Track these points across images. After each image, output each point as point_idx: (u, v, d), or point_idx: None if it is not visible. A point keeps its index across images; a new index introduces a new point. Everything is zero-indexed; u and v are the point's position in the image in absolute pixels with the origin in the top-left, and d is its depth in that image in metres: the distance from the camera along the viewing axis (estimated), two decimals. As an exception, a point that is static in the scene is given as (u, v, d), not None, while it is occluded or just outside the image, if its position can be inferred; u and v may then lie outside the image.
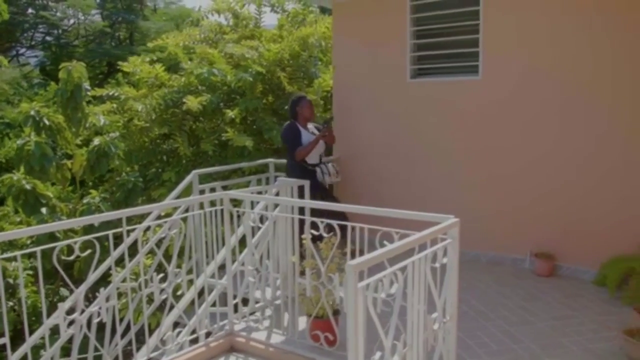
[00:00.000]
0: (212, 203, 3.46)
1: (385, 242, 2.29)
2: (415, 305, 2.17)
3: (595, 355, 3.19)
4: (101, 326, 3.26)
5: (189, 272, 3.50)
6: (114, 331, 3.18)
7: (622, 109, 4.26)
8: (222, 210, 3.40)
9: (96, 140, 6.05)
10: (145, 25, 15.15)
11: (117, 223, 3.06)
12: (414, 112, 5.21)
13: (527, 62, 4.62)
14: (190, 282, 3.52)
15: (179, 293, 3.39)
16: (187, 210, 3.85)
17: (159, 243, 3.95)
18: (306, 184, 4.24)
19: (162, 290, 3.08)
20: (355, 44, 5.61)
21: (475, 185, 4.97)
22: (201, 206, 3.54)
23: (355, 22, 5.57)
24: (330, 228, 2.97)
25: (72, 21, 16.07)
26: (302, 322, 3.37)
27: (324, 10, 8.01)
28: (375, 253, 1.93)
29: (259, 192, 4.79)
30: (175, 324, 3.62)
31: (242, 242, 3.64)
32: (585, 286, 4.32)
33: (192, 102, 5.81)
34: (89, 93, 6.21)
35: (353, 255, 2.73)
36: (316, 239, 3.13)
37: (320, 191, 4.76)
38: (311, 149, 4.75)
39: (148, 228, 3.41)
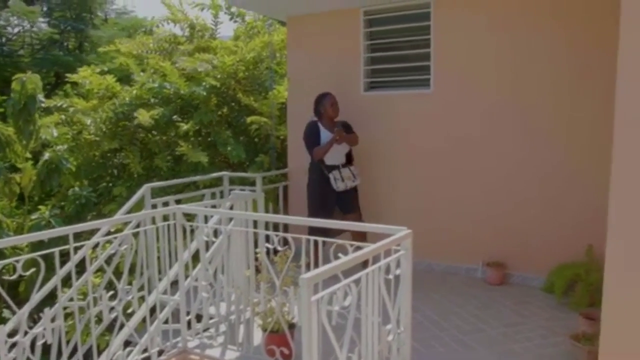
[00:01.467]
0: (165, 217, 3.39)
1: (339, 255, 2.30)
2: (369, 317, 2.18)
3: (546, 359, 3.28)
4: (46, 348, 3.12)
5: (141, 288, 3.40)
6: (60, 353, 3.04)
7: (567, 126, 4.43)
8: (174, 224, 3.33)
9: (46, 155, 5.85)
10: (95, 34, 14.77)
11: (67, 239, 2.95)
12: (367, 125, 5.27)
13: (475, 77, 4.75)
14: (142, 299, 3.42)
15: (129, 311, 3.29)
16: (138, 225, 3.75)
17: (108, 260, 3.82)
18: (260, 197, 4.22)
19: (111, 309, 2.98)
20: (309, 56, 5.64)
21: (428, 196, 5.06)
22: (153, 221, 3.45)
23: (310, 36, 5.61)
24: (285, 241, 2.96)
25: (16, 29, 15.48)
26: (257, 338, 3.33)
27: (280, 22, 8.03)
28: (329, 265, 1.93)
29: (213, 206, 4.74)
30: (127, 343, 3.50)
31: (196, 257, 3.57)
32: (534, 293, 4.44)
33: (144, 116, 5.70)
34: (43, 104, 6.01)
35: (308, 268, 2.73)
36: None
37: (333, 195, 4.72)
38: (326, 150, 4.68)
39: (97, 245, 3.30)
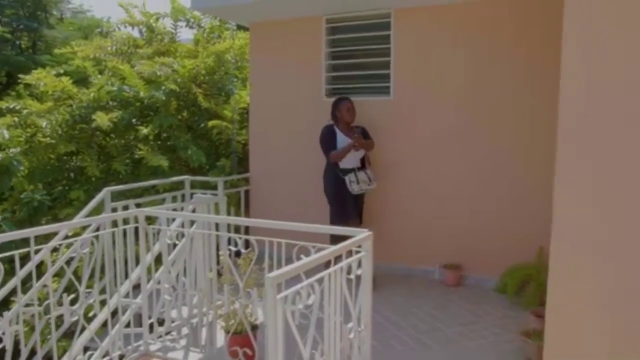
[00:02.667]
0: (126, 221, 3.37)
1: (302, 257, 2.37)
2: (332, 316, 2.25)
3: (498, 356, 3.44)
4: (1, 353, 3.06)
5: (102, 292, 3.37)
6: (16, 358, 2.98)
7: (521, 134, 4.64)
8: (136, 228, 3.32)
9: (-3, 156, 5.67)
10: (50, 34, 14.38)
11: (19, 243, 2.90)
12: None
13: (433, 85, 4.92)
14: (103, 302, 3.38)
15: (90, 315, 3.25)
16: (98, 229, 3.71)
17: (69, 263, 3.76)
18: (222, 200, 4.24)
19: (71, 313, 2.95)
20: (272, 62, 5.71)
21: (387, 200, 5.19)
22: (115, 224, 3.43)
23: (273, 42, 5.68)
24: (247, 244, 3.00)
25: (-36, 27, 14.91)
26: (220, 340, 3.35)
27: (239, 27, 8.05)
28: (294, 265, 1.99)
29: (175, 209, 4.72)
30: (86, 349, 3.46)
31: (158, 261, 3.56)
32: (488, 294, 4.62)
33: (102, 119, 5.61)
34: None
35: (271, 270, 2.78)
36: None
37: (350, 197, 4.71)
38: (343, 155, 4.68)
39: (57, 248, 3.26)
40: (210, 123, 6.04)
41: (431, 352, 3.52)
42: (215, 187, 5.32)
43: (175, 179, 5.46)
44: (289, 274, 1.91)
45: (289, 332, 2.02)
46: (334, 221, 4.70)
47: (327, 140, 4.79)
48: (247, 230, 4.96)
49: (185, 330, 3.54)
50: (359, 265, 2.50)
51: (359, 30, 5.22)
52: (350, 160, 4.76)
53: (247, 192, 5.86)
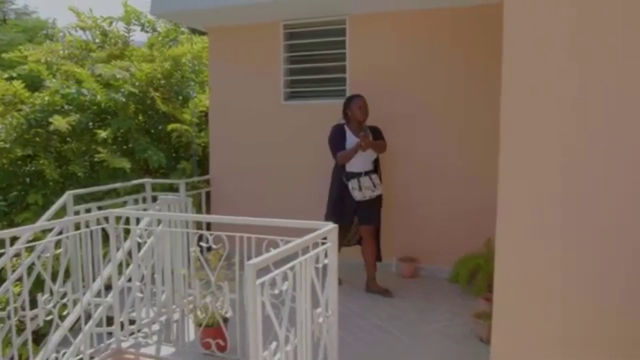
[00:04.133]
0: (95, 222, 3.44)
1: (271, 249, 2.54)
2: (303, 301, 2.44)
3: (452, 338, 3.72)
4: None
5: (73, 292, 3.43)
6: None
7: (467, 128, 4.97)
8: (102, 229, 3.40)
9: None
10: (-7, 35, 13.90)
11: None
12: (287, 132, 5.56)
13: (385, 88, 5.19)
14: (75, 302, 3.44)
15: (64, 314, 3.31)
16: (61, 232, 3.75)
17: (31, 268, 3.78)
18: (188, 201, 4.36)
19: (33, 318, 3.00)
20: (231, 66, 5.84)
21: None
22: (84, 225, 3.49)
23: (232, 46, 5.81)
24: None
25: None
26: (192, 334, 3.48)
27: (194, 31, 8.11)
28: (270, 254, 2.18)
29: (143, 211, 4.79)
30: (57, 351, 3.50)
31: (128, 261, 3.64)
32: (442, 283, 4.92)
33: (60, 122, 5.60)
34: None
35: (241, 265, 2.94)
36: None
37: (352, 204, 4.48)
38: (350, 156, 4.40)
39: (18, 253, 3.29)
40: (170, 126, 6.11)
41: (391, 336, 3.77)
42: (176, 190, 5.39)
43: (136, 181, 5.50)
44: (268, 261, 2.10)
45: (264, 318, 2.20)
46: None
47: (336, 140, 4.52)
48: (209, 228, 5.07)
49: (157, 327, 3.64)
50: (326, 255, 2.70)
51: (316, 35, 5.44)
52: (359, 163, 4.48)
53: (207, 193, 5.96)
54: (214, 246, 3.16)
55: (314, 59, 5.50)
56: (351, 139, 4.50)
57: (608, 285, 2.09)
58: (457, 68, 4.93)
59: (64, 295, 3.19)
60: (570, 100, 2.09)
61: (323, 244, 2.71)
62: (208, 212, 5.92)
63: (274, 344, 2.23)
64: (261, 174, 5.72)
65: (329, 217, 4.54)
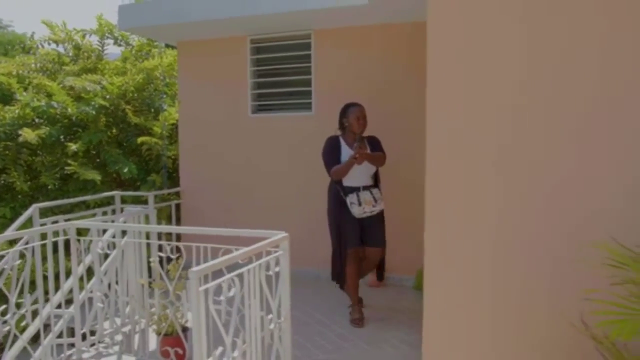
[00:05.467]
0: (57, 234, 3.49)
1: (239, 261, 2.63)
2: (253, 307, 2.53)
3: (410, 344, 3.82)
4: None
5: (34, 304, 3.46)
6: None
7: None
8: (66, 241, 3.45)
9: None
10: (-33, 50, 13.81)
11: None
12: (254, 145, 5.66)
13: (348, 99, 5.31)
14: (35, 314, 3.48)
15: (22, 324, 3.34)
16: (27, 243, 3.78)
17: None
18: (152, 213, 4.42)
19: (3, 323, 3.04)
20: (200, 80, 5.94)
21: (315, 210, 5.50)
22: (45, 238, 3.53)
23: (200, 60, 5.92)
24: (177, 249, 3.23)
25: None
26: (153, 344, 3.54)
27: (168, 44, 8.20)
28: (215, 261, 2.26)
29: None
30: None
31: (91, 272, 3.69)
32: (406, 291, 5.04)
33: (29, 135, 5.64)
34: None
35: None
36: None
37: (355, 223, 4.13)
38: (345, 170, 4.05)
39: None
40: (140, 139, 6.17)
41: (351, 344, 3.86)
42: (146, 202, 5.46)
43: (105, 194, 5.55)
44: (210, 269, 2.18)
45: (216, 325, 2.29)
46: (333, 252, 4.32)
47: (330, 153, 4.16)
48: (178, 239, 5.14)
49: (118, 337, 3.69)
50: (277, 263, 2.79)
51: (282, 50, 5.57)
52: (357, 177, 4.12)
53: (177, 205, 6.02)
54: (171, 256, 3.23)
55: (280, 72, 5.63)
56: (347, 152, 4.13)
57: (535, 288, 2.21)
58: (420, 79, 5.07)
59: (28, 304, 3.22)
60: (495, 103, 2.21)
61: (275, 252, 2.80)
62: (178, 223, 5.98)
63: (219, 349, 2.31)
64: (230, 185, 5.81)
65: (335, 245, 4.29)
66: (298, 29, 5.38)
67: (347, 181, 4.13)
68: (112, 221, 4.26)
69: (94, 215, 5.28)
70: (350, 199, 4.08)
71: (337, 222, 4.20)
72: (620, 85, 2.02)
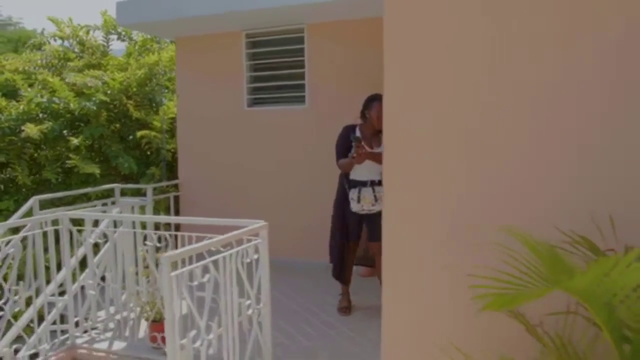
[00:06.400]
0: (55, 224, 3.61)
1: (212, 248, 2.74)
2: (229, 293, 2.64)
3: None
4: None
5: (30, 291, 3.61)
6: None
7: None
8: (62, 230, 3.58)
9: None
10: (-22, 47, 14.08)
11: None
12: (250, 138, 5.76)
13: (338, 93, 5.39)
14: (29, 302, 3.62)
15: (17, 310, 3.48)
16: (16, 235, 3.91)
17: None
18: (149, 204, 4.54)
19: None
20: (197, 75, 6.05)
21: (312, 200, 5.59)
22: (40, 227, 3.66)
23: (197, 55, 6.03)
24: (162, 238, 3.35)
25: None
26: (144, 330, 3.67)
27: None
28: (188, 247, 2.37)
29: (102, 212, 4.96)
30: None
31: (86, 262, 3.83)
32: (398, 281, 5.11)
33: (32, 130, 5.80)
34: None
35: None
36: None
37: (356, 216, 4.05)
38: (348, 166, 3.96)
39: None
40: (139, 133, 6.31)
41: (336, 331, 3.96)
42: (145, 194, 5.60)
43: (105, 186, 5.69)
44: (181, 255, 2.29)
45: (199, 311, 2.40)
46: (330, 241, 4.32)
47: (341, 143, 4.03)
48: (177, 229, 5.27)
49: (111, 325, 3.82)
50: (257, 250, 2.89)
51: (276, 44, 5.66)
52: (365, 172, 3.97)
53: (176, 197, 6.15)
54: (158, 245, 3.35)
55: (275, 66, 5.72)
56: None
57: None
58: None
59: (22, 292, 3.36)
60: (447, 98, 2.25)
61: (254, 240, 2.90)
62: (176, 214, 6.11)
63: (192, 332, 2.43)
64: (227, 177, 5.93)
65: (334, 233, 4.28)
66: (291, 23, 5.46)
67: (354, 174, 4.03)
68: (104, 212, 4.38)
69: (94, 207, 5.43)
70: (352, 194, 4.00)
71: (341, 213, 4.18)
72: (584, 67, 1.98)
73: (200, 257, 2.65)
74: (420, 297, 2.33)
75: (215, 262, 2.54)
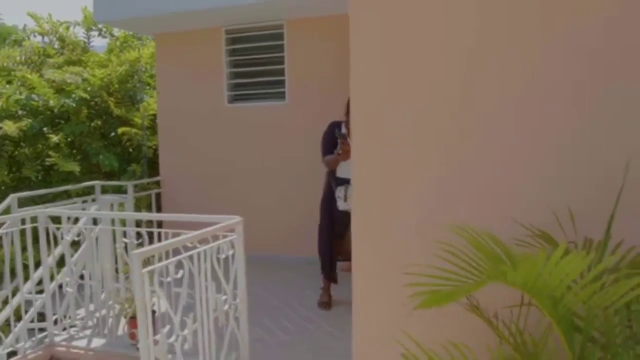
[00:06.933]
0: (32, 221, 3.60)
1: (189, 245, 2.75)
2: (203, 288, 2.66)
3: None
4: None
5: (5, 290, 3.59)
6: None
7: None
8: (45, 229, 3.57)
9: None
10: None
11: None
12: (232, 134, 5.77)
13: (318, 89, 5.41)
14: (5, 302, 3.61)
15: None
16: None
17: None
18: (129, 201, 4.53)
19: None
20: (177, 71, 6.04)
21: (288, 196, 5.63)
22: (20, 226, 3.64)
23: (177, 51, 6.01)
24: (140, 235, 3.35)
25: None
26: (123, 327, 3.67)
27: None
28: (160, 244, 2.38)
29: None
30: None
31: (63, 259, 3.82)
32: (379, 275, 5.15)
33: (10, 127, 5.75)
34: None
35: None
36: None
37: (339, 213, 3.98)
38: (332, 164, 3.92)
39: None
40: (120, 130, 6.28)
41: (315, 325, 3.99)
42: (127, 191, 5.58)
43: (85, 184, 5.66)
44: (151, 252, 2.30)
45: (177, 308, 2.41)
46: (319, 239, 4.27)
47: (327, 140, 3.97)
48: (160, 226, 5.26)
49: (90, 323, 3.81)
50: (232, 246, 2.91)
51: (256, 40, 5.66)
52: (350, 169, 4.07)
53: (158, 194, 6.14)
54: (135, 242, 3.35)
55: (255, 62, 5.73)
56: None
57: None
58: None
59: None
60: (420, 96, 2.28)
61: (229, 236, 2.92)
62: (158, 212, 6.10)
63: (166, 328, 2.44)
64: (209, 174, 5.93)
65: (321, 228, 4.25)
66: (270, 19, 5.47)
67: (341, 172, 3.98)
68: (83, 209, 4.36)
69: (74, 204, 5.40)
70: (338, 192, 3.94)
71: (327, 210, 4.16)
72: (549, 70, 1.99)
73: (177, 253, 2.66)
74: (389, 294, 2.36)
75: (190, 258, 2.56)
